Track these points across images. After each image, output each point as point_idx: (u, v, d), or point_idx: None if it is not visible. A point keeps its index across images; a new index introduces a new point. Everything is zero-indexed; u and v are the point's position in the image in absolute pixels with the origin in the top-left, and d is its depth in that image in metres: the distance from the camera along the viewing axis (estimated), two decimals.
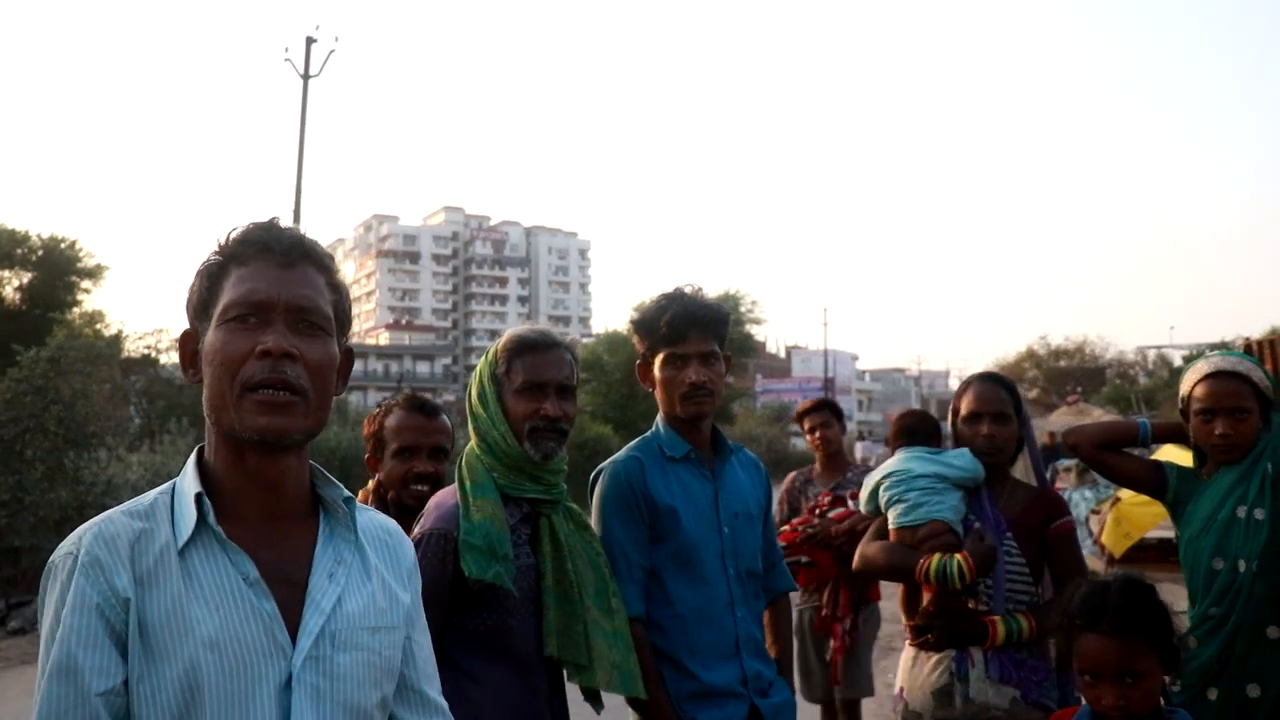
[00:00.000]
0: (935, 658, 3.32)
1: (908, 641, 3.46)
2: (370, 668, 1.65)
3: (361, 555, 1.71)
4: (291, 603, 1.59)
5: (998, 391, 3.43)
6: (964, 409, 3.45)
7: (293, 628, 1.57)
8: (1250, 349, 10.14)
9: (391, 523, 1.86)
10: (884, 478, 3.52)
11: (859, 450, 33.87)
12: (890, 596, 4.90)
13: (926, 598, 3.36)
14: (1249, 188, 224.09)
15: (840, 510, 5.34)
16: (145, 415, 21.61)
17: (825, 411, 5.92)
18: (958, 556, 3.21)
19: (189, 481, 1.61)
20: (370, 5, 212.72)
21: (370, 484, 3.38)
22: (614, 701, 2.95)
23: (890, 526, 3.47)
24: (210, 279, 1.66)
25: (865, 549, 3.57)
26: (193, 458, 1.66)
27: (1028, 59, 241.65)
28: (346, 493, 1.73)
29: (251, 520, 1.62)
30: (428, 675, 1.82)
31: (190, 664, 1.49)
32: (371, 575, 1.71)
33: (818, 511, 5.39)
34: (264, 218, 1.71)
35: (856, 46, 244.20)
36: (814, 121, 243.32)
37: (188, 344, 1.69)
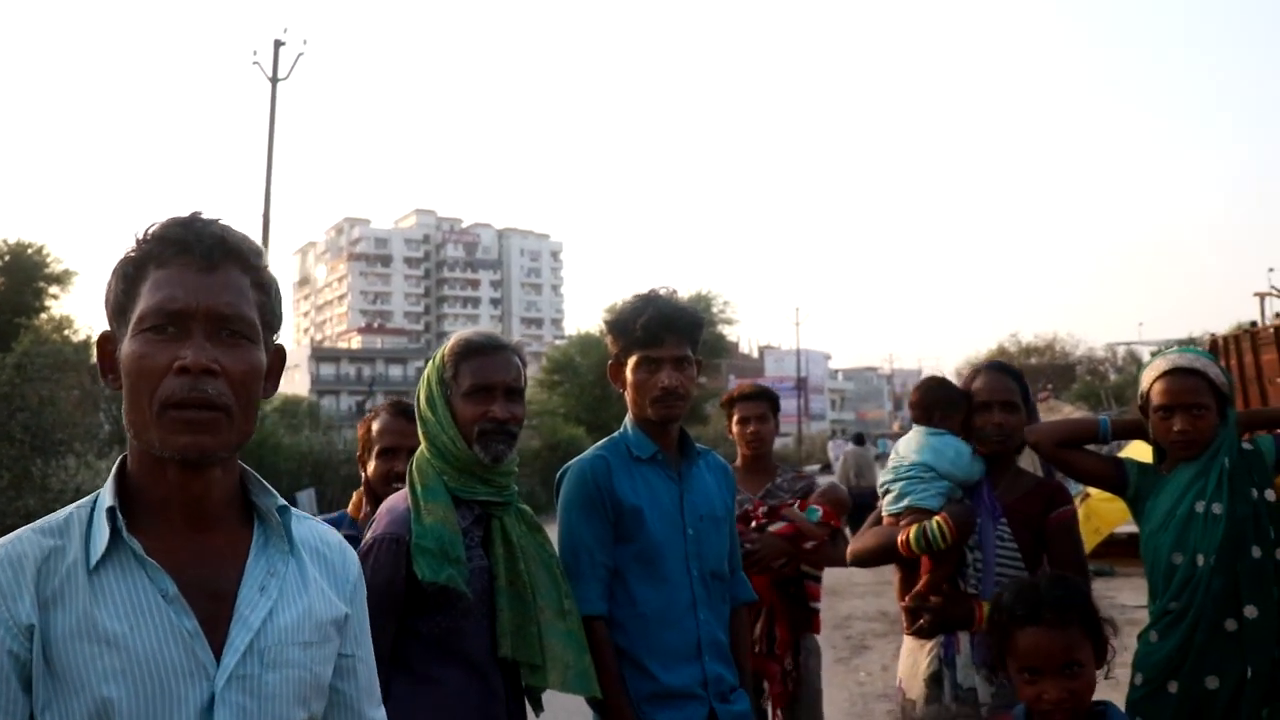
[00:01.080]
0: (928, 646, 3.36)
1: (904, 631, 3.50)
2: (301, 685, 1.56)
3: (299, 565, 1.62)
4: (218, 618, 1.50)
5: (1006, 380, 3.48)
6: (978, 396, 3.47)
7: (219, 644, 1.48)
8: (1215, 345, 10.22)
9: (334, 534, 1.77)
10: (891, 465, 3.59)
11: (831, 449, 33.88)
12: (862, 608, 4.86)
13: (922, 581, 3.40)
14: (1220, 188, 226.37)
15: (783, 525, 4.35)
16: (115, 421, 21.38)
17: (763, 403, 4.79)
18: (936, 517, 3.28)
19: (106, 494, 1.52)
20: (339, 8, 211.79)
21: (363, 484, 3.63)
22: (574, 703, 2.97)
23: (884, 515, 3.55)
24: (126, 280, 1.56)
25: (853, 543, 3.65)
26: (115, 467, 1.58)
27: (996, 59, 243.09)
28: (281, 501, 1.64)
29: (176, 532, 1.53)
30: (369, 692, 1.74)
31: (99, 690, 1.41)
32: (309, 586, 1.62)
33: (754, 525, 4.39)
34: (185, 212, 1.60)
35: (827, 46, 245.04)
36: (786, 122, 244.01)
37: (106, 347, 1.59)
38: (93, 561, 1.46)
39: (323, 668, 1.61)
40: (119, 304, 1.56)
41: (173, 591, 1.47)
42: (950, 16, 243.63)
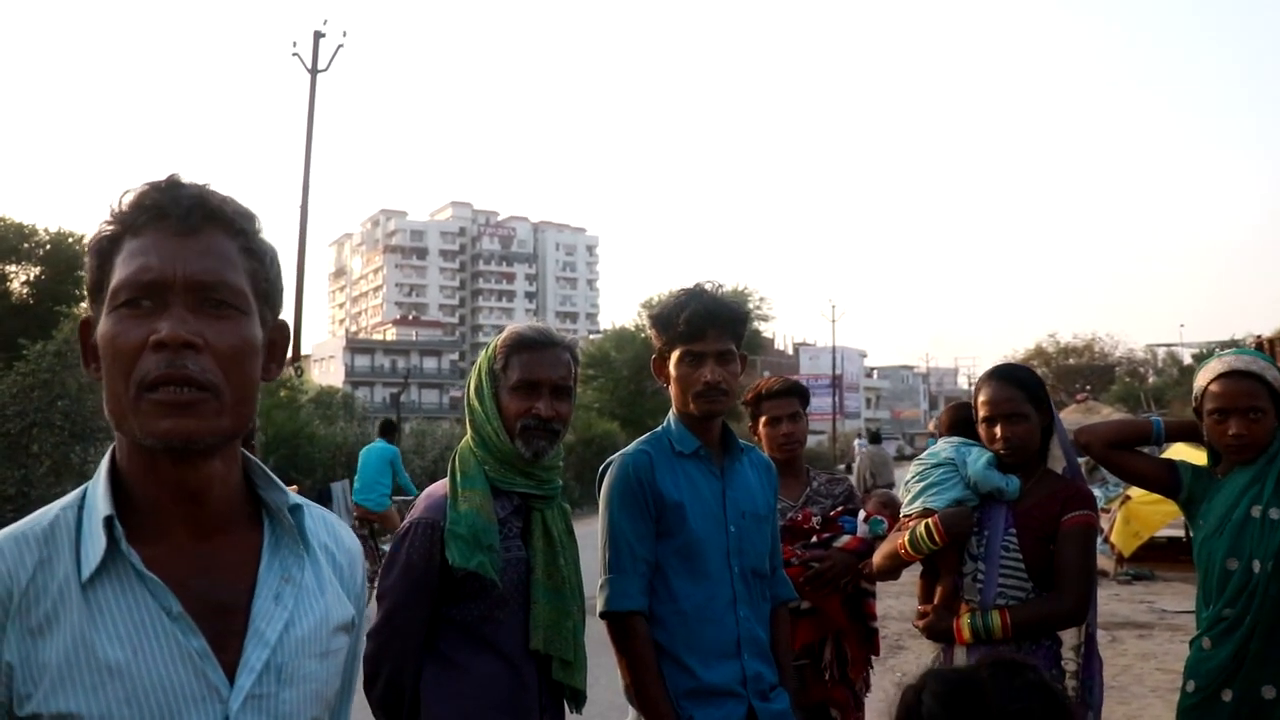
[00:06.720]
0: (933, 653, 3.35)
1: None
2: (317, 700, 1.43)
3: (315, 567, 1.49)
4: (229, 633, 1.36)
5: (1008, 390, 3.33)
6: (979, 411, 3.38)
7: (230, 663, 1.34)
8: (1261, 346, 10.06)
9: (348, 533, 1.64)
10: (914, 464, 3.56)
11: (857, 448, 33.76)
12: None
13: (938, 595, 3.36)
14: (1260, 188, 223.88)
15: (848, 539, 3.98)
16: None
17: (793, 399, 4.26)
18: (927, 520, 3.27)
19: (100, 497, 1.35)
20: (380, 0, 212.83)
21: None
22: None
23: (902, 516, 3.52)
24: (101, 255, 1.38)
25: (875, 557, 3.66)
26: (105, 464, 1.40)
27: (1039, 56, 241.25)
28: (295, 498, 1.49)
29: (176, 537, 1.37)
30: (346, 704, 1.63)
31: None
32: (325, 589, 1.49)
33: (814, 540, 3.99)
34: (162, 176, 1.42)
35: (868, 42, 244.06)
36: (824, 117, 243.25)
37: (86, 333, 1.42)
38: (85, 575, 1.31)
39: (336, 678, 1.50)
40: (95, 282, 1.39)
41: (177, 609, 1.32)
42: (992, 12, 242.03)
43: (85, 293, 1.43)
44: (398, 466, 12.93)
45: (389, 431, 13.73)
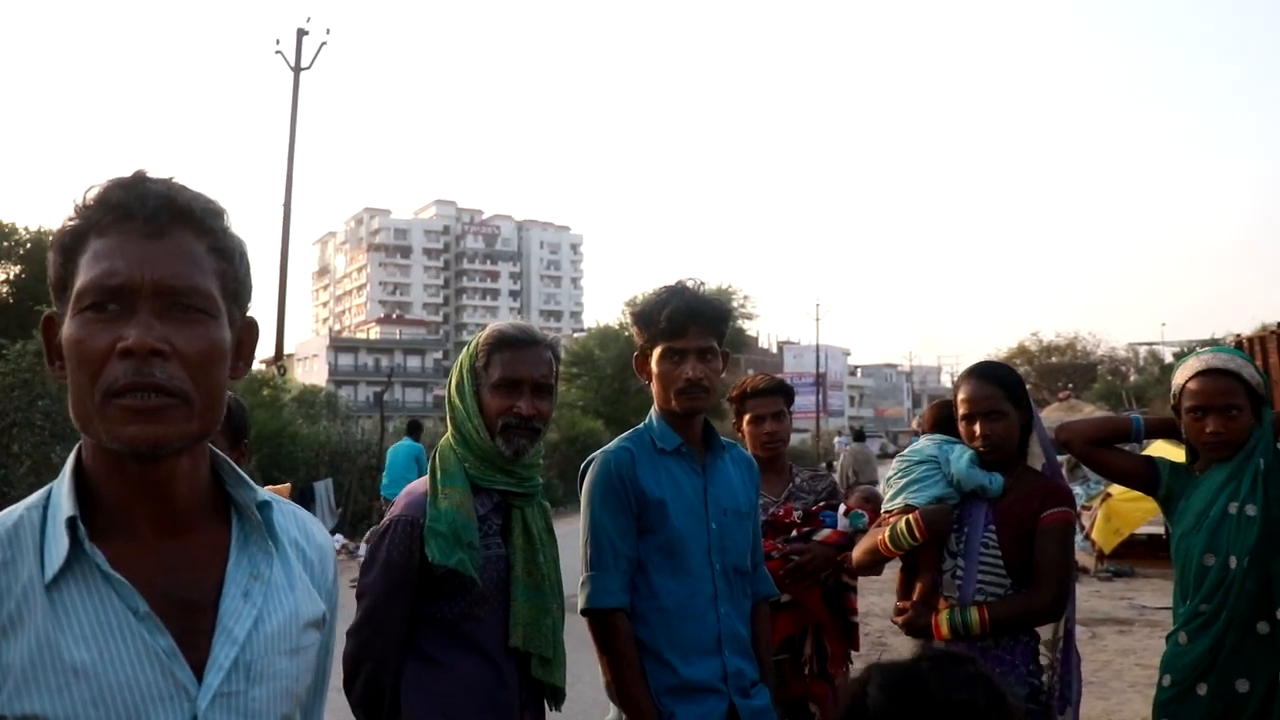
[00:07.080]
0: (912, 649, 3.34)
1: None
2: (287, 697, 1.41)
3: (284, 563, 1.47)
4: (197, 631, 1.33)
5: (987, 388, 3.35)
6: (959, 409, 3.40)
7: (198, 662, 1.32)
8: (1241, 345, 10.13)
9: (319, 529, 1.61)
10: (896, 460, 3.57)
11: (838, 446, 33.82)
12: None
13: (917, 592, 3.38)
14: (1243, 188, 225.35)
15: (828, 532, 4.05)
16: None
17: (778, 398, 4.30)
18: (908, 516, 3.30)
19: (64, 496, 1.33)
20: None
21: None
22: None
23: (882, 512, 3.54)
24: (65, 252, 1.34)
25: (854, 551, 3.68)
26: (70, 463, 1.38)
27: (1022, 54, 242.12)
28: (263, 495, 1.46)
29: (143, 535, 1.35)
30: (320, 701, 1.63)
31: None
32: (295, 584, 1.47)
33: (794, 534, 4.05)
34: (128, 172, 1.38)
35: (850, 40, 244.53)
36: (808, 116, 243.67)
37: (50, 330, 1.39)
38: (49, 576, 1.28)
39: (307, 675, 1.48)
40: (59, 279, 1.36)
41: (144, 609, 1.29)
42: (977, 12, 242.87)
43: (51, 291, 1.38)
44: (423, 462, 13.75)
45: (415, 430, 14.96)
